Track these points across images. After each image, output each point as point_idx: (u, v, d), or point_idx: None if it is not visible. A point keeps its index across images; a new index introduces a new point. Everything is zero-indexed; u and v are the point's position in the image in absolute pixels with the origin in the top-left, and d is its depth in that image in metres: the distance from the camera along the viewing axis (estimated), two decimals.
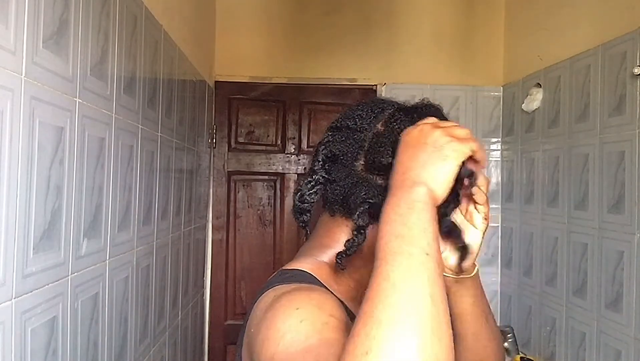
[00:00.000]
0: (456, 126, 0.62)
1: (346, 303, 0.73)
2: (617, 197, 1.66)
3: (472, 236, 0.71)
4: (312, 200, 0.76)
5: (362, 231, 0.70)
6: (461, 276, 0.72)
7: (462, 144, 0.58)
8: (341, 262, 0.72)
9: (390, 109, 0.75)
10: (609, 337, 1.68)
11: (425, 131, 0.59)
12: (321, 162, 0.75)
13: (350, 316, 0.68)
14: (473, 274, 0.72)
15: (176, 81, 1.74)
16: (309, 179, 0.76)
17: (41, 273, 0.83)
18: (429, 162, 0.56)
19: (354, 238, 0.70)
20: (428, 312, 0.48)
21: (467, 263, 0.71)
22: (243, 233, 2.62)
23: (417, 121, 0.66)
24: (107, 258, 1.13)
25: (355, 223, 0.71)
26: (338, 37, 2.61)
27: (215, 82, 2.57)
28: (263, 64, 2.60)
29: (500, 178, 2.57)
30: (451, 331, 0.50)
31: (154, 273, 1.52)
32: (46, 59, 0.83)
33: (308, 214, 0.77)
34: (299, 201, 0.77)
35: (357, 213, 0.70)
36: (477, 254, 0.72)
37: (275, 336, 0.59)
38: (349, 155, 0.73)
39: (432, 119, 0.64)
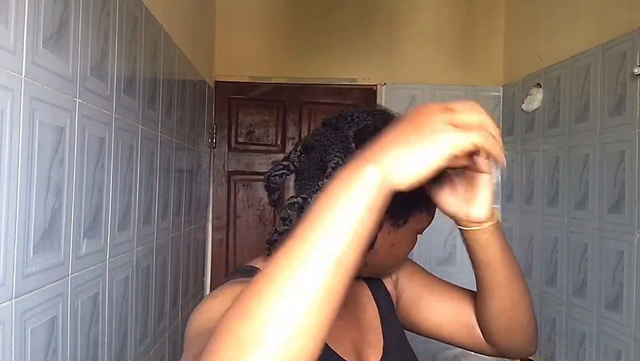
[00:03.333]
0: (472, 112, 0.50)
1: None
2: (617, 197, 1.66)
3: (479, 181, 0.64)
4: (276, 182, 0.76)
5: (286, 222, 0.68)
6: (474, 227, 0.68)
7: (461, 135, 0.47)
8: (269, 250, 0.70)
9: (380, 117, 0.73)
10: (609, 337, 1.68)
11: (430, 109, 0.49)
12: (298, 152, 0.76)
13: None
14: (487, 225, 0.67)
15: (176, 81, 1.74)
16: (281, 162, 0.76)
17: (41, 273, 0.83)
18: (408, 145, 0.46)
19: (277, 227, 0.68)
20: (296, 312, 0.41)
21: (476, 213, 0.66)
22: (243, 233, 2.62)
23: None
24: (107, 258, 1.12)
25: (280, 212, 0.70)
26: (338, 37, 2.61)
27: (215, 82, 2.57)
28: (263, 64, 2.60)
29: (500, 178, 2.57)
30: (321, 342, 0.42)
31: (154, 273, 1.52)
32: (46, 59, 0.83)
33: (276, 194, 0.77)
34: (264, 180, 0.78)
35: (288, 203, 0.68)
36: (489, 201, 0.65)
37: (188, 323, 0.65)
38: (324, 149, 0.71)
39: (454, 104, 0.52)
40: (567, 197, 1.96)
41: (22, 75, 0.76)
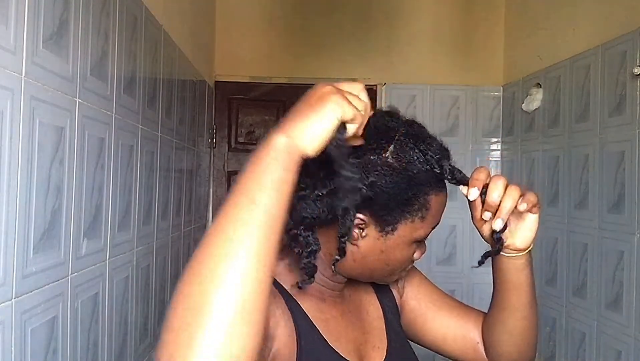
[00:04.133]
0: (354, 88, 0.61)
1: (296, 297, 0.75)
2: (617, 197, 1.66)
3: (528, 217, 0.73)
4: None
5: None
6: (514, 254, 0.75)
7: (344, 103, 0.58)
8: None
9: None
10: (609, 337, 1.68)
11: (323, 88, 0.59)
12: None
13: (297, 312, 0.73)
14: (526, 252, 0.75)
15: (176, 81, 1.74)
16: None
17: (41, 273, 0.83)
18: (307, 116, 0.56)
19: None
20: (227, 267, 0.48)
21: (521, 244, 0.73)
22: None
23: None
24: (107, 258, 1.13)
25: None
26: (338, 37, 2.61)
27: (215, 82, 2.57)
28: (263, 64, 2.60)
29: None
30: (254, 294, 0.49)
31: (154, 273, 1.52)
32: (46, 59, 0.83)
33: None
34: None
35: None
36: (534, 234, 0.74)
37: None
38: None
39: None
40: (567, 197, 1.96)
41: (22, 75, 0.76)
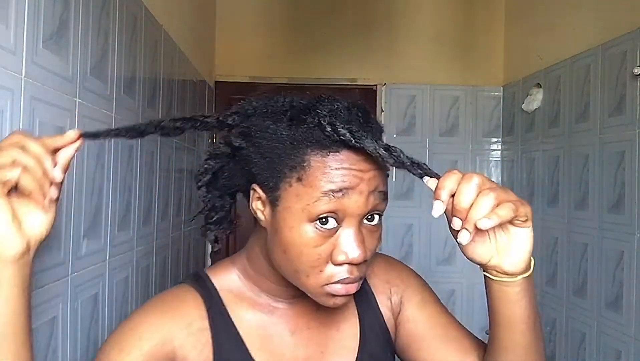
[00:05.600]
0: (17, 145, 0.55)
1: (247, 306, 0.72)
2: (617, 197, 1.66)
3: (516, 232, 0.59)
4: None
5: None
6: (504, 278, 0.60)
7: None
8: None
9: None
10: (609, 337, 1.68)
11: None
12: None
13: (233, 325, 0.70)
14: (520, 278, 0.60)
15: (176, 81, 1.74)
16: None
17: (41, 273, 0.83)
18: None
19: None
20: None
21: (509, 266, 0.59)
22: (243, 233, 2.61)
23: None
24: (107, 258, 1.12)
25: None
26: (338, 37, 2.61)
27: (215, 82, 2.57)
28: (263, 64, 2.60)
29: (500, 178, 2.57)
30: None
31: (154, 273, 1.52)
32: (46, 59, 0.83)
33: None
34: None
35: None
36: (527, 254, 0.59)
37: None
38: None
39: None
40: (567, 197, 1.96)
41: (22, 75, 0.76)
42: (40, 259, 0.83)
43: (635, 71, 1.54)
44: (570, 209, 1.94)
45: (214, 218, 0.74)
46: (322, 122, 0.60)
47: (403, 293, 0.81)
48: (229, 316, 0.70)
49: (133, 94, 1.28)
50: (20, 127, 0.76)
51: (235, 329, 0.70)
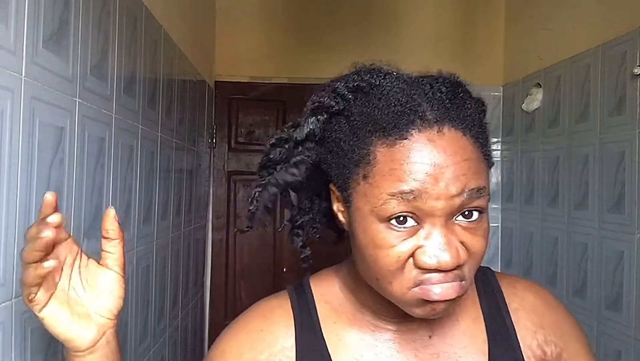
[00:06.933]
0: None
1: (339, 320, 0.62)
2: (617, 197, 1.66)
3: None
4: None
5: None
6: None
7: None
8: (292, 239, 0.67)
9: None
10: (609, 337, 1.68)
11: None
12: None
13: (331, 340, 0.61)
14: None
15: (176, 81, 1.74)
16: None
17: None
18: None
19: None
20: None
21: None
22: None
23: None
24: None
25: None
26: (338, 37, 2.61)
27: (215, 82, 2.57)
28: (263, 64, 2.60)
29: (500, 178, 2.57)
30: None
31: (154, 273, 1.52)
32: (46, 59, 0.83)
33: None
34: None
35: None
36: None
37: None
38: None
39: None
40: (567, 197, 1.96)
41: (22, 75, 0.76)
42: None
43: (635, 71, 1.54)
44: (570, 209, 1.94)
45: (299, 222, 0.65)
46: (379, 101, 0.51)
47: (564, 348, 0.69)
48: (321, 333, 0.61)
49: (133, 94, 1.28)
50: (20, 127, 0.76)
51: (326, 349, 0.60)
